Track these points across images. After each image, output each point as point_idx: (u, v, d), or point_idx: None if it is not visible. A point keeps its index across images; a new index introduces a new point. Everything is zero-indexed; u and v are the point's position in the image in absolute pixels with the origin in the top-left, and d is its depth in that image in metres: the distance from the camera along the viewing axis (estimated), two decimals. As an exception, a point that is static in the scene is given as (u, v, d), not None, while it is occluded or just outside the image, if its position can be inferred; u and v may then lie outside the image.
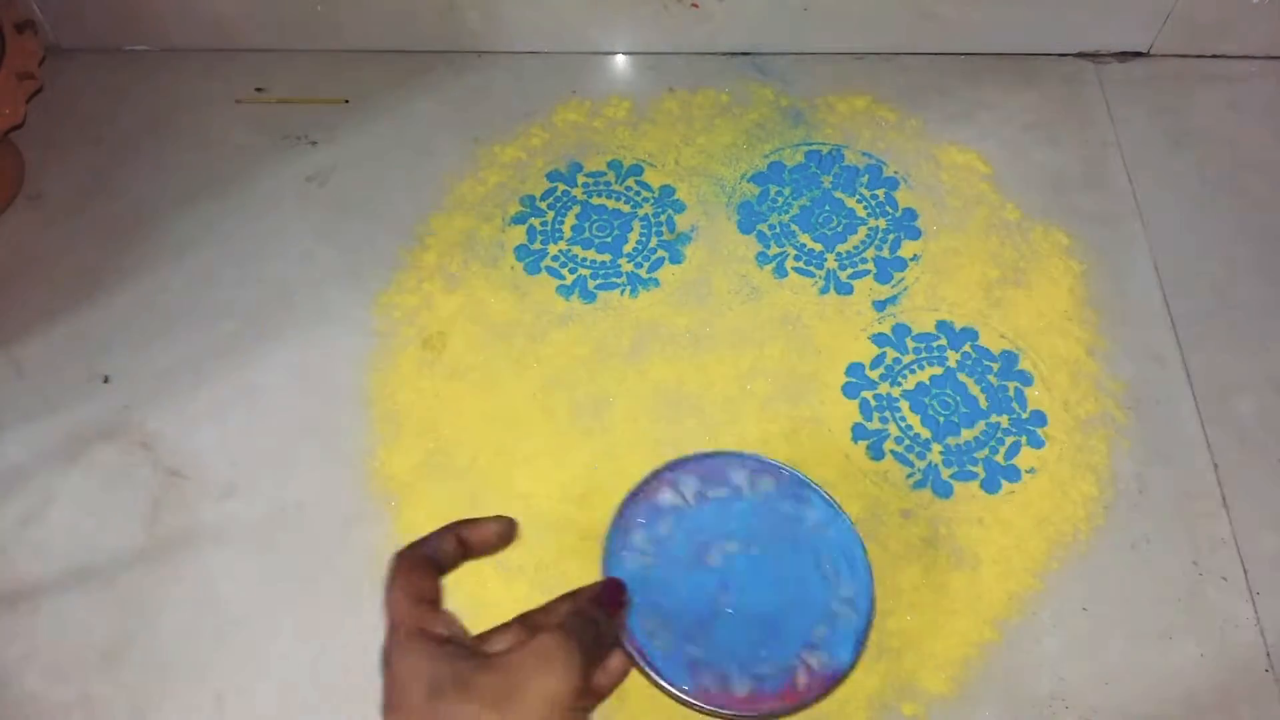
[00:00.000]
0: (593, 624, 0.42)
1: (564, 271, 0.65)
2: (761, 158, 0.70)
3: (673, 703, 0.48)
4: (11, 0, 0.67)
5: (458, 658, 0.38)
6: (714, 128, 0.72)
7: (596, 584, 0.46)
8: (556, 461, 0.58)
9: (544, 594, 0.53)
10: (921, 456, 0.58)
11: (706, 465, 0.52)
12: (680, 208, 0.68)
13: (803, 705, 0.46)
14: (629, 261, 0.66)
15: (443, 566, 0.42)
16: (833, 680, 0.47)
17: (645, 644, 0.47)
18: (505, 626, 0.43)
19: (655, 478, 0.52)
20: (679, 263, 0.66)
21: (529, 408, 0.60)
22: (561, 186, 0.69)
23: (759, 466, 0.52)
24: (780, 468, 0.52)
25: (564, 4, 0.73)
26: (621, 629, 0.46)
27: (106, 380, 0.61)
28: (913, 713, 0.50)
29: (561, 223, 0.68)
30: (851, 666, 0.47)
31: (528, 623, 0.44)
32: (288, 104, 0.74)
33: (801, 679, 0.47)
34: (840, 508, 0.50)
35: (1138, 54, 0.76)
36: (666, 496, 0.51)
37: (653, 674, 0.47)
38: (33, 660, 0.52)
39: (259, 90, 0.75)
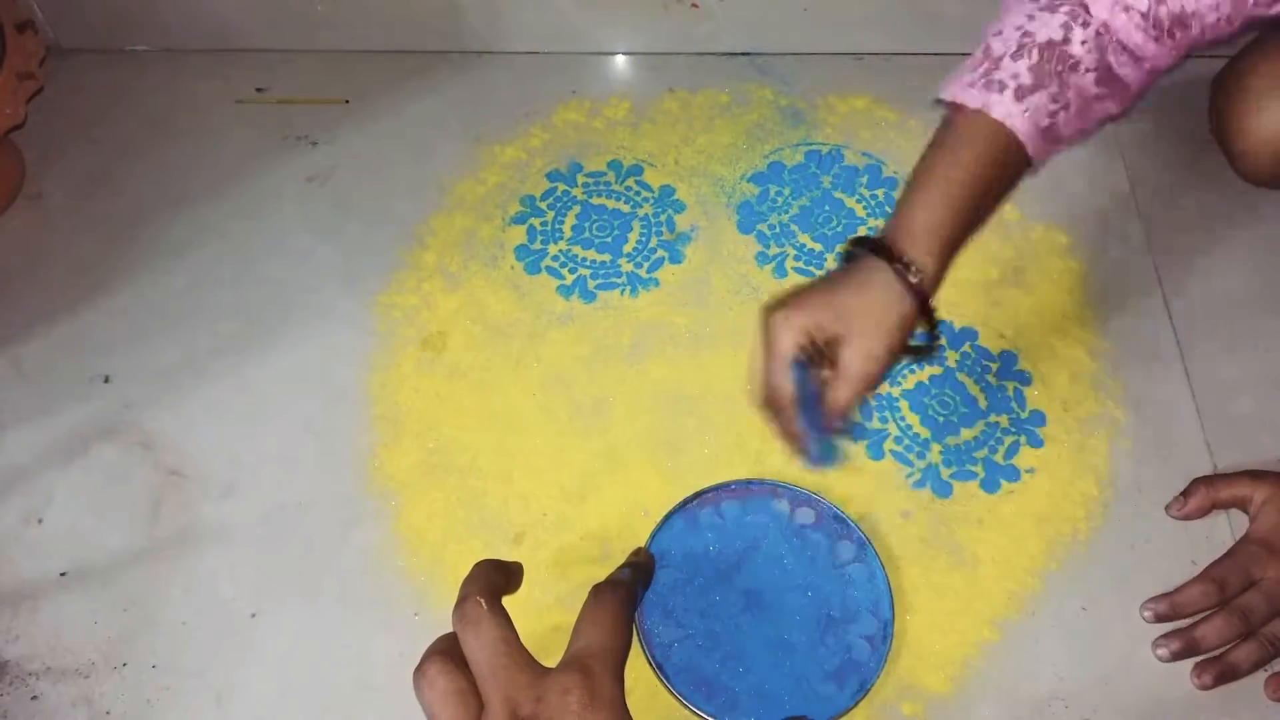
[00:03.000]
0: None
1: (564, 271, 0.65)
2: (761, 158, 0.70)
3: (674, 702, 0.48)
4: (12, 0, 0.67)
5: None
6: (714, 128, 0.72)
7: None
8: (556, 461, 0.58)
9: (544, 593, 0.53)
10: (921, 456, 0.58)
11: (751, 492, 0.54)
12: (680, 208, 0.68)
13: None
14: (629, 261, 0.66)
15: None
16: (831, 715, 0.48)
17: (663, 657, 0.49)
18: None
19: (696, 499, 0.54)
20: (679, 263, 0.66)
21: (529, 408, 0.60)
22: (561, 186, 0.69)
23: (801, 499, 0.54)
24: (821, 502, 0.53)
25: (564, 4, 0.73)
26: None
27: (106, 380, 0.61)
28: (912, 712, 0.50)
29: (561, 223, 0.68)
30: (848, 709, 0.48)
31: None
32: (288, 104, 0.74)
33: (811, 706, 0.48)
34: (872, 546, 0.52)
35: (1137, 54, 0.76)
36: (705, 517, 0.53)
37: (666, 684, 0.48)
38: (33, 660, 0.52)
39: (259, 90, 0.75)
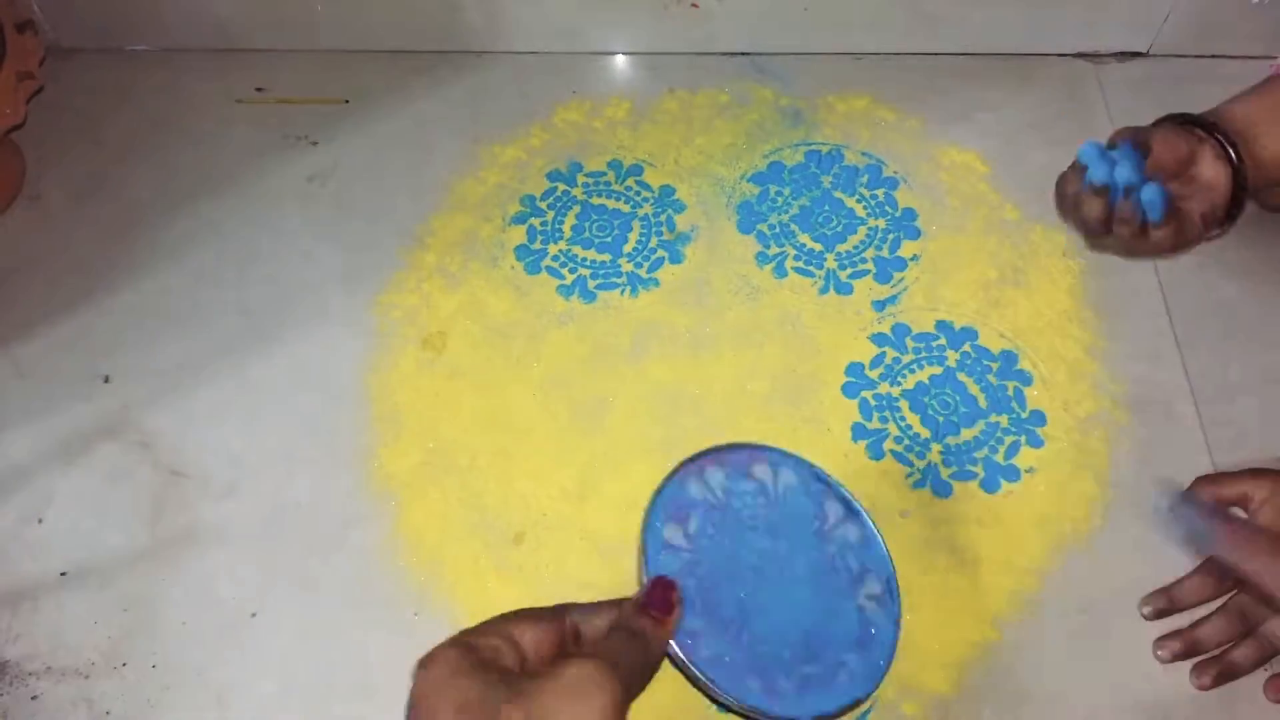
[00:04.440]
0: (638, 640, 0.40)
1: (564, 271, 0.65)
2: (761, 158, 0.70)
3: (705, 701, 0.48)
4: (12, 0, 0.67)
5: (490, 684, 0.36)
6: (714, 128, 0.72)
7: (643, 589, 0.43)
8: (556, 461, 0.58)
9: (543, 595, 0.53)
10: (921, 456, 0.58)
11: (729, 459, 0.51)
12: (680, 208, 0.68)
13: (850, 704, 0.45)
14: (629, 261, 0.66)
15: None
16: (877, 677, 0.46)
17: (692, 650, 0.45)
18: (542, 621, 0.40)
19: (680, 471, 0.50)
20: (679, 263, 0.66)
21: (529, 408, 0.60)
22: (561, 186, 0.69)
23: (779, 460, 0.52)
24: (800, 461, 0.51)
25: (564, 4, 0.73)
26: (669, 638, 0.43)
27: (106, 380, 0.61)
28: (913, 712, 0.50)
29: (561, 223, 0.68)
30: (886, 671, 0.47)
31: (568, 625, 0.41)
32: (288, 104, 0.74)
33: (843, 678, 0.46)
34: (857, 500, 0.51)
35: (1137, 54, 0.76)
36: (694, 490, 0.50)
37: (704, 681, 0.44)
38: (33, 660, 0.52)
39: (259, 90, 0.75)
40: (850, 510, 0.51)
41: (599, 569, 0.54)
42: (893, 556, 0.51)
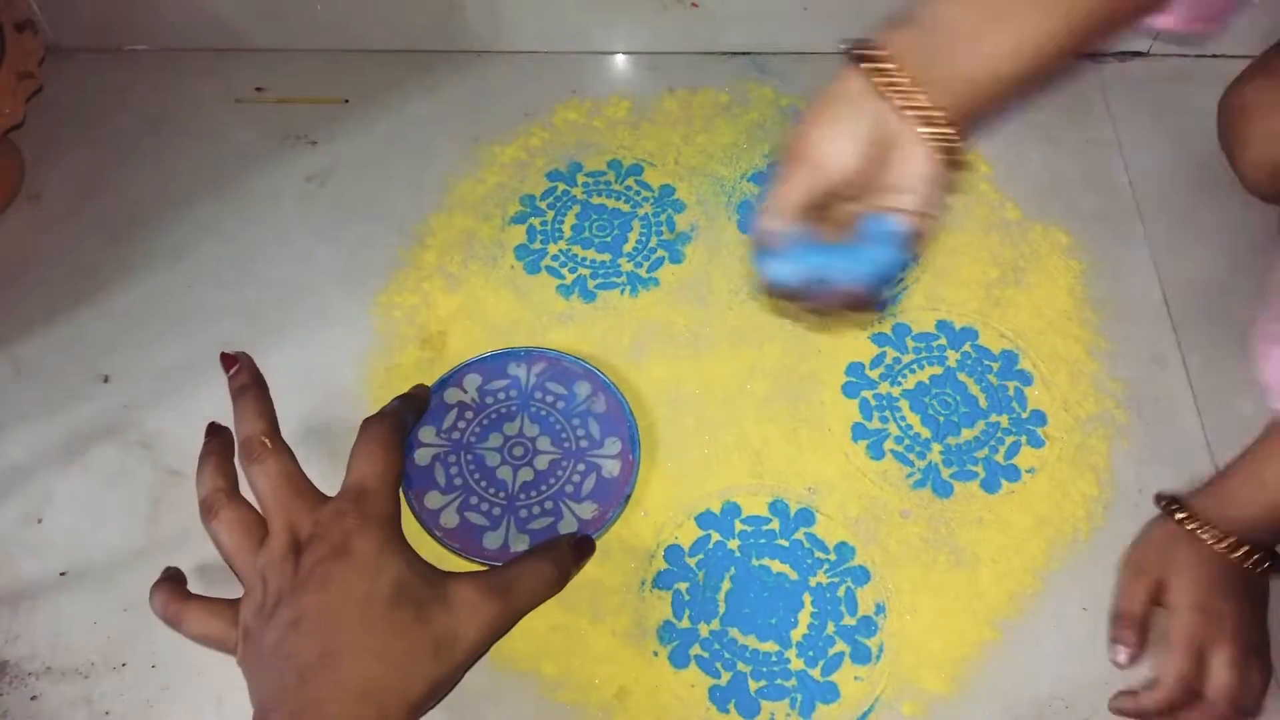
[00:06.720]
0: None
1: (564, 271, 0.65)
2: (761, 157, 0.70)
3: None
4: (11, 0, 0.67)
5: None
6: (714, 127, 0.72)
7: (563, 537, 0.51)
8: (556, 461, 0.58)
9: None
10: (921, 456, 0.58)
11: (487, 363, 0.59)
12: (680, 207, 0.68)
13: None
14: (629, 261, 0.66)
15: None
16: (598, 525, 0.54)
17: (432, 523, 0.54)
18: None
19: (442, 384, 0.59)
20: (679, 262, 0.66)
21: (529, 407, 0.60)
22: (561, 186, 0.69)
23: (535, 356, 0.59)
24: (547, 352, 0.59)
25: (564, 4, 0.73)
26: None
27: (106, 380, 0.61)
28: (912, 712, 0.50)
29: (561, 222, 0.68)
30: (615, 519, 0.54)
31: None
32: (288, 104, 0.74)
33: (569, 514, 0.54)
34: (603, 374, 0.59)
35: (1138, 54, 0.76)
36: (452, 394, 0.59)
37: (442, 544, 0.53)
38: (33, 660, 0.52)
39: (259, 90, 0.75)
40: (597, 383, 0.58)
41: (599, 568, 0.54)
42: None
